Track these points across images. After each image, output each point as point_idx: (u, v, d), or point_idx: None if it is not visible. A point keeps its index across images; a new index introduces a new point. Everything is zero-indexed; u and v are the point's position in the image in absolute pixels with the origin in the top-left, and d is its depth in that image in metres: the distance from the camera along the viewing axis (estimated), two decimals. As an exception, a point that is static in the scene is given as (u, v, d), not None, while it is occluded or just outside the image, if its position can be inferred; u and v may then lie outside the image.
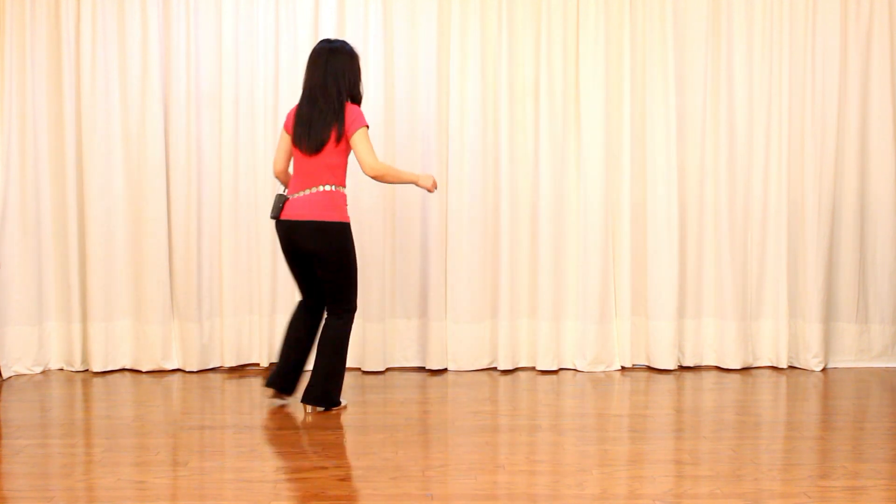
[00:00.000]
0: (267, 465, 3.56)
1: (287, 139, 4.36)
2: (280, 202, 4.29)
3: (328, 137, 4.18)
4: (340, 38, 4.58)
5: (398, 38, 5.25)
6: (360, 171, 4.40)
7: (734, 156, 5.33)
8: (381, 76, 5.22)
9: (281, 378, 4.46)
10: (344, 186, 4.30)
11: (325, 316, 4.39)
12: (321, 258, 4.25)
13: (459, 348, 5.30)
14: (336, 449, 3.79)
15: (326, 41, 4.33)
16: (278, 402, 4.51)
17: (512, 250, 5.28)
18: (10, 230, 5.11)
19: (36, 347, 5.19)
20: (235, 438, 3.93)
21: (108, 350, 5.23)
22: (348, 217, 4.31)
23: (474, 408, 4.47)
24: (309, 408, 4.37)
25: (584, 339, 5.29)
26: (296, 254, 4.32)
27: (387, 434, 3.98)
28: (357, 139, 4.17)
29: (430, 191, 4.39)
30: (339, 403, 4.41)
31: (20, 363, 5.16)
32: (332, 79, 4.22)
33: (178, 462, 3.61)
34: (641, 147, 5.32)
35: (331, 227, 4.22)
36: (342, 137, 4.18)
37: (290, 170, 4.47)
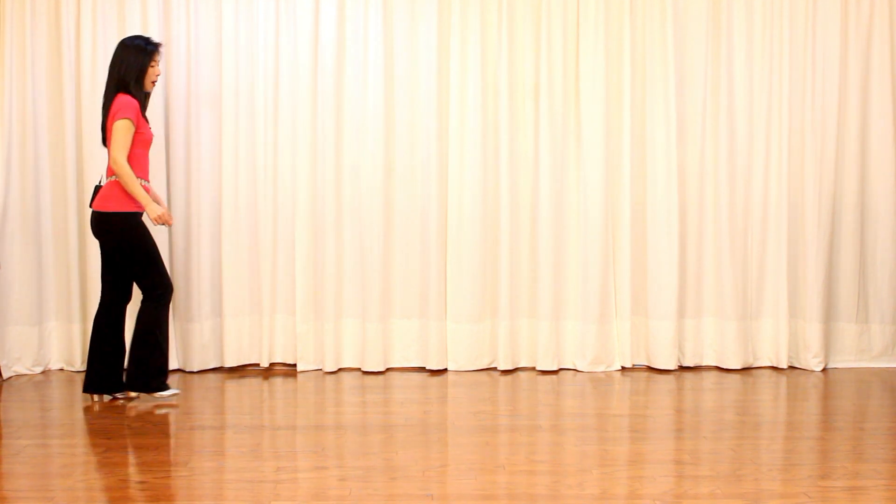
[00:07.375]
0: (267, 465, 3.56)
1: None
2: (94, 191, 4.42)
3: (106, 129, 4.35)
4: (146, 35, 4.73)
5: (398, 38, 5.25)
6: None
7: (734, 156, 5.33)
8: (382, 76, 5.22)
9: (98, 379, 4.46)
10: (144, 179, 4.37)
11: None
12: (105, 248, 4.38)
13: (459, 348, 5.30)
14: (336, 449, 3.79)
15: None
16: (121, 397, 4.53)
17: (512, 250, 5.28)
18: (10, 230, 5.11)
19: (36, 347, 5.19)
20: (235, 438, 3.93)
21: (108, 350, 5.23)
22: (132, 206, 4.33)
23: (474, 408, 4.47)
24: (130, 393, 4.49)
25: (584, 339, 5.29)
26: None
27: (387, 434, 3.98)
28: (114, 129, 4.29)
29: (155, 223, 4.38)
30: (166, 389, 4.47)
31: (20, 363, 5.16)
32: (112, 70, 4.39)
33: (178, 462, 3.61)
34: (641, 147, 5.32)
35: (105, 217, 4.31)
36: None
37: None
